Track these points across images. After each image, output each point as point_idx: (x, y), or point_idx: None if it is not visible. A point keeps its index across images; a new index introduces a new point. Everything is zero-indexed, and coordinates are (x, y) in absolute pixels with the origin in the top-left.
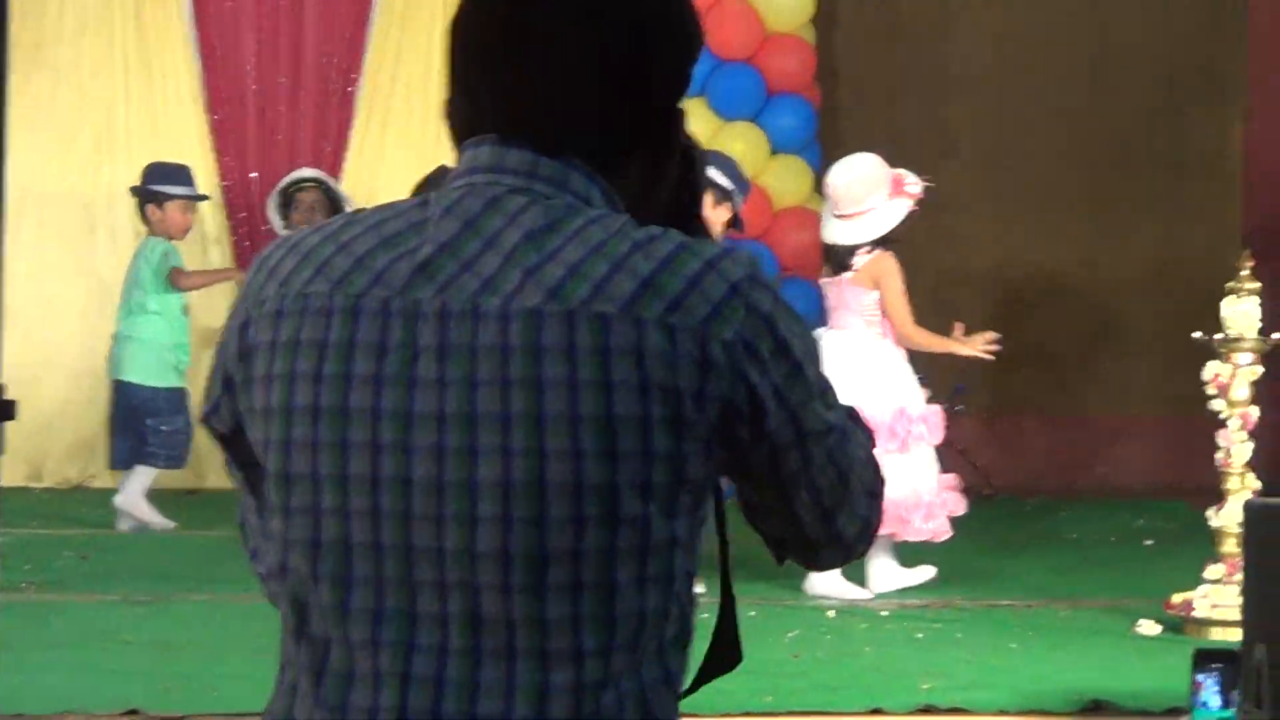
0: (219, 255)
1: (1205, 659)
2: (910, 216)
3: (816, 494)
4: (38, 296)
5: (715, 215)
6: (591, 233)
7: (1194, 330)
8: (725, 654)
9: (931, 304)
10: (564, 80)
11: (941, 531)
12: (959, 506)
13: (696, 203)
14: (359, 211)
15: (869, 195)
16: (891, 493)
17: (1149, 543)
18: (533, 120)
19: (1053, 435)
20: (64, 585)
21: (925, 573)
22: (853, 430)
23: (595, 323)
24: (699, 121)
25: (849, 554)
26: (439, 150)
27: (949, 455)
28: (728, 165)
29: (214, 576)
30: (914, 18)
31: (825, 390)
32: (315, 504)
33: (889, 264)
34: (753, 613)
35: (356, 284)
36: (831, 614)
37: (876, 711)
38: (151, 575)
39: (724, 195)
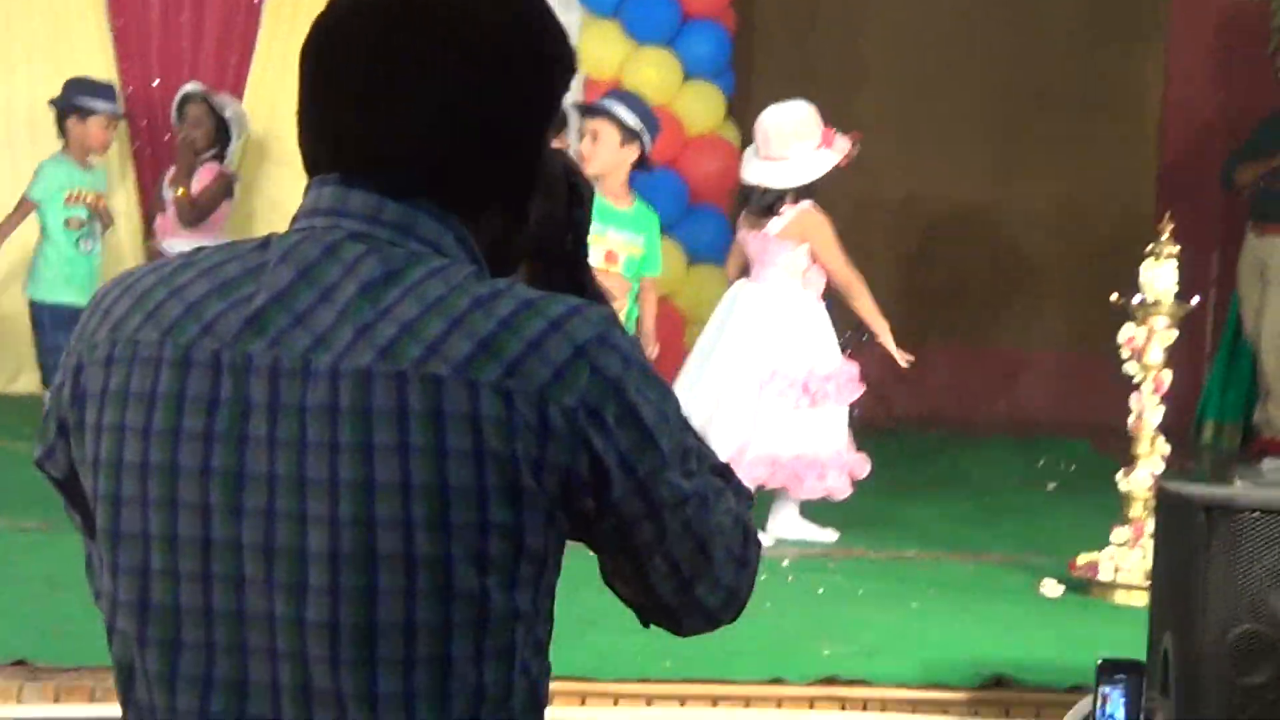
0: (119, 163)
1: (1110, 669)
2: (833, 171)
3: (674, 564)
4: None
5: (622, 155)
6: (430, 287)
7: (1101, 269)
8: None
9: (842, 233)
10: (413, 123)
11: (839, 490)
12: (862, 469)
13: (581, 243)
14: (198, 251)
15: (797, 141)
16: (794, 449)
17: (1051, 486)
18: (380, 162)
19: (956, 367)
20: None
21: (828, 535)
22: (719, 495)
23: (428, 385)
24: (612, 46)
25: (715, 622)
26: None
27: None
28: (636, 104)
29: None
30: None
31: (687, 455)
32: (144, 564)
33: (817, 218)
34: None
35: (187, 332)
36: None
37: (777, 680)
38: (43, 500)
39: (631, 135)
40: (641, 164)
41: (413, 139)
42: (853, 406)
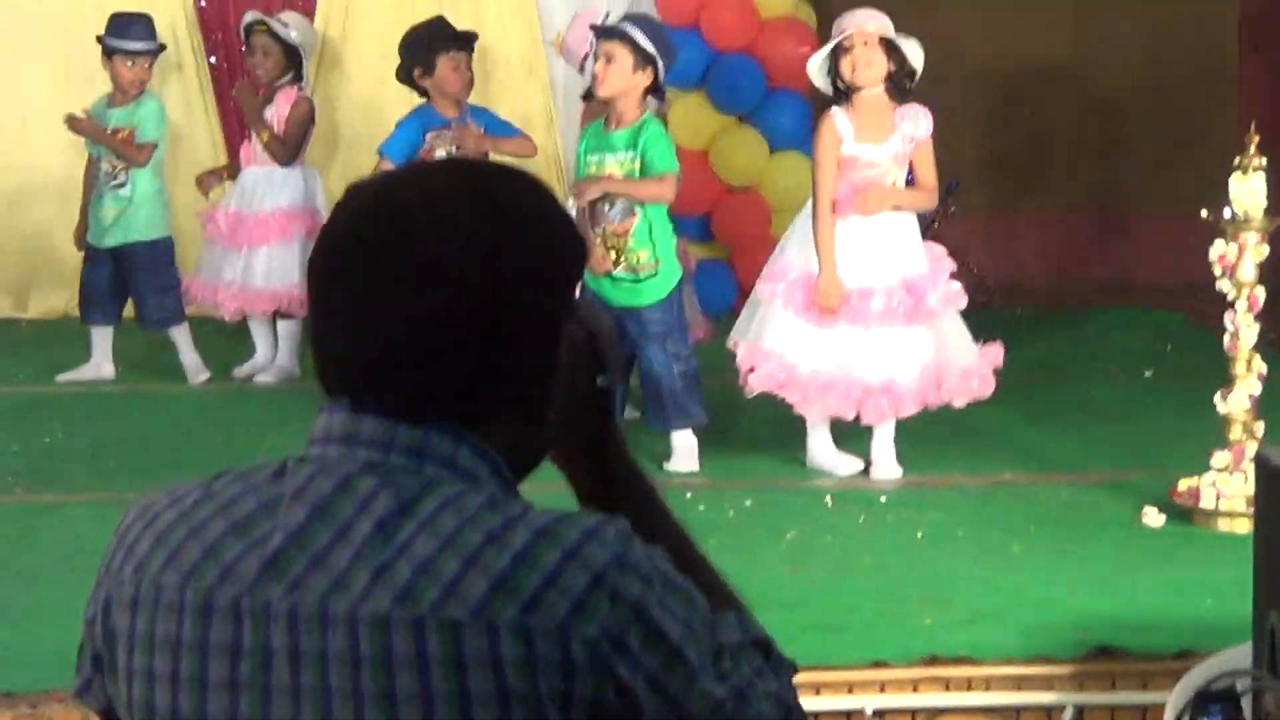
0: (194, 73)
1: (1204, 701)
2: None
3: None
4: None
5: (635, 80)
6: (444, 520)
7: (1188, 127)
8: None
9: (923, 103)
10: (413, 342)
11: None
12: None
13: (608, 413)
14: (217, 479)
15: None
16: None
17: (1148, 374)
18: (385, 384)
19: (1045, 234)
20: None
21: (853, 464)
22: (760, 678)
23: (446, 631)
24: None
25: None
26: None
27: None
28: (653, 28)
29: None
30: None
31: (719, 656)
32: None
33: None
34: (749, 501)
35: (207, 577)
36: (829, 500)
37: (878, 664)
38: None
39: (645, 60)
40: (655, 90)
41: (412, 361)
42: None
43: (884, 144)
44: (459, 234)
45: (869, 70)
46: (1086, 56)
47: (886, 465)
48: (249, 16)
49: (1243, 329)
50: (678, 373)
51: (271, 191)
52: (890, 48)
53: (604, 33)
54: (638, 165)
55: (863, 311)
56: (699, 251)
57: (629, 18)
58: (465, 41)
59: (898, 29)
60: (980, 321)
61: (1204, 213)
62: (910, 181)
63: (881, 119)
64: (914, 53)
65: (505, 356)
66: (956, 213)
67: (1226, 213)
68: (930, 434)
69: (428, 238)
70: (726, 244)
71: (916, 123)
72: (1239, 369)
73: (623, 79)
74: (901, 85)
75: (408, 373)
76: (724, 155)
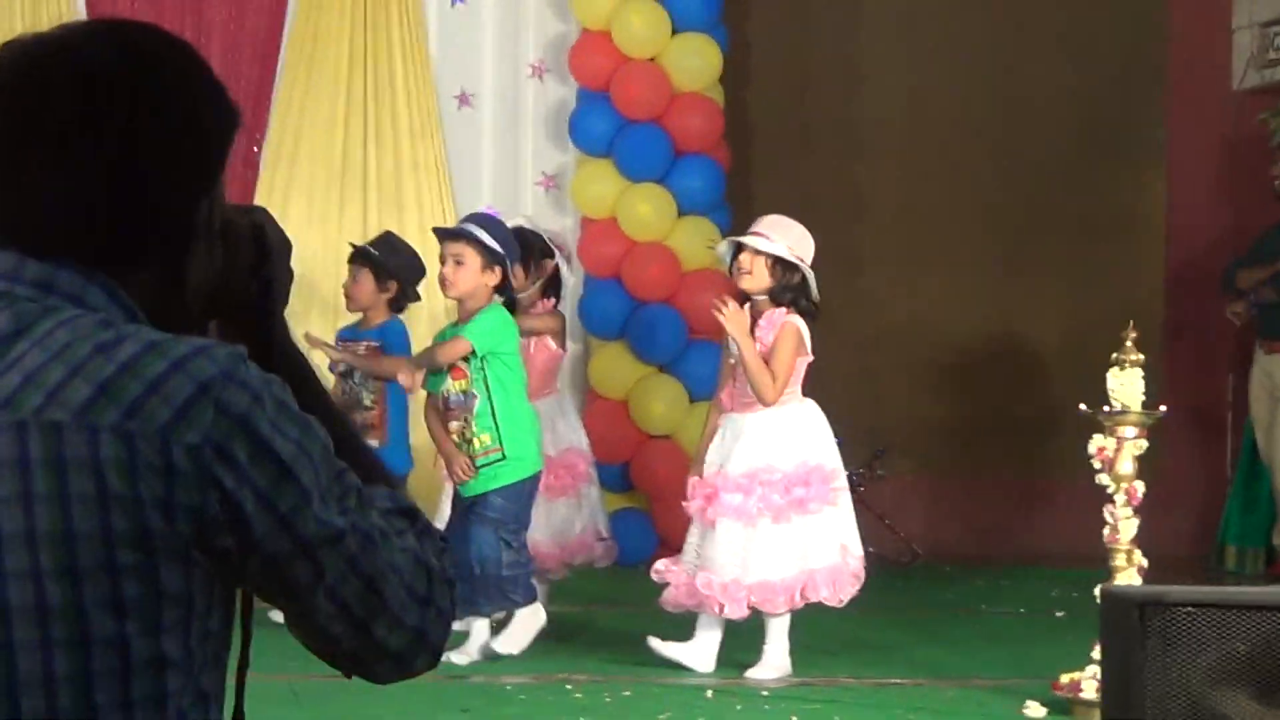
0: None
1: None
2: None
3: (342, 605)
4: None
5: (483, 279)
6: (57, 336)
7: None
8: None
9: (846, 365)
10: (43, 182)
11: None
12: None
13: (270, 299)
14: None
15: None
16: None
17: (1060, 614)
18: (17, 222)
19: (972, 498)
20: None
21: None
22: (397, 534)
23: (48, 432)
24: (606, 182)
25: (407, 666)
26: (344, 211)
27: (870, 522)
28: (495, 227)
29: None
30: (823, 76)
31: (344, 492)
32: None
33: None
34: (627, 692)
35: None
36: (709, 694)
37: None
38: None
39: (493, 259)
40: (503, 289)
41: (42, 201)
42: (867, 545)
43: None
44: (97, 81)
45: (749, 280)
46: (1009, 327)
47: (771, 662)
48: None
49: (1121, 521)
50: (507, 560)
51: None
52: (782, 264)
53: (450, 235)
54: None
55: (728, 506)
56: (618, 500)
57: (473, 218)
58: (356, 254)
59: (823, 294)
60: (902, 578)
61: (1082, 406)
62: None
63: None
64: (810, 277)
65: (136, 205)
66: (883, 475)
67: (1105, 408)
68: (822, 644)
69: (64, 82)
70: (645, 492)
71: (770, 325)
72: (1119, 561)
73: (472, 279)
74: (781, 294)
75: (36, 210)
76: (643, 404)
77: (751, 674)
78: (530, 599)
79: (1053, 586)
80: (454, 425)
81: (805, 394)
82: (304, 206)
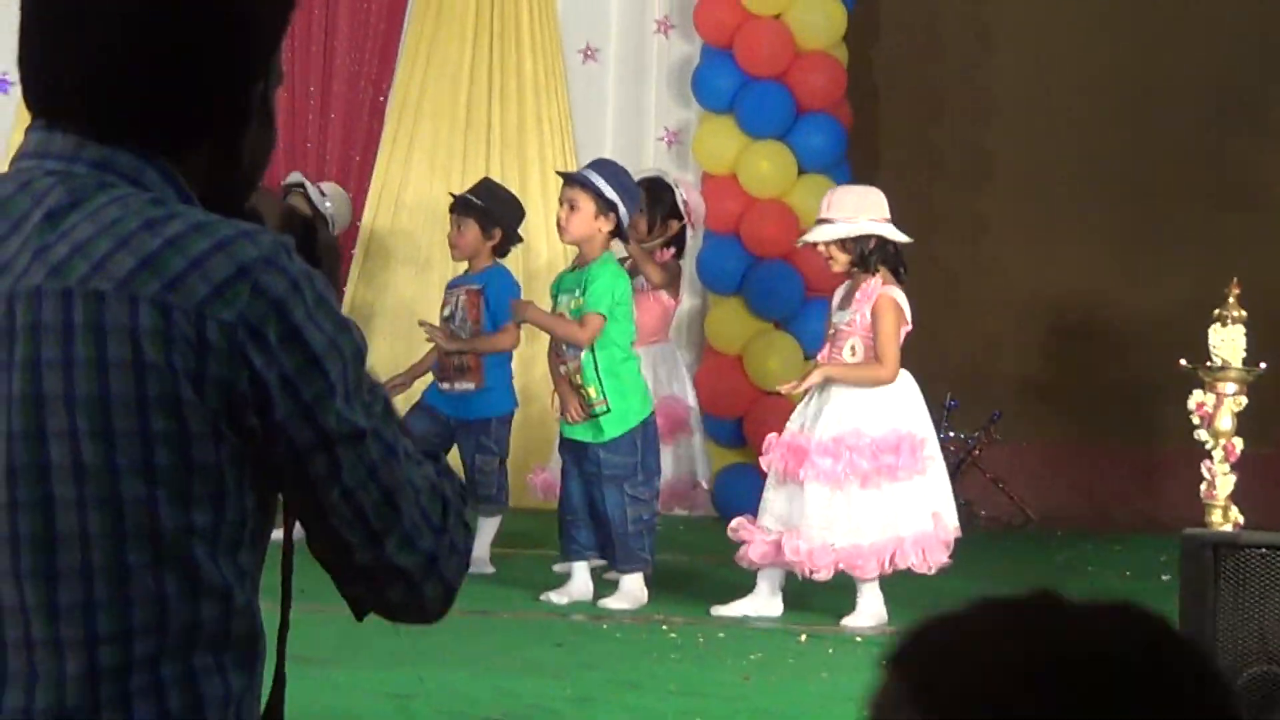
0: None
1: None
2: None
3: (359, 511)
4: None
5: (596, 226)
6: (109, 211)
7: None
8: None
9: (966, 329)
10: (104, 64)
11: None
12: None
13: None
14: None
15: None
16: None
17: (1165, 578)
18: (76, 104)
19: (1088, 466)
20: None
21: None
22: (417, 460)
23: (90, 300)
24: (727, 139)
25: (416, 591)
26: (466, 162)
27: (984, 485)
28: (615, 174)
29: None
30: (952, 37)
31: (372, 394)
32: None
33: None
34: (721, 634)
35: None
36: (803, 638)
37: None
38: None
39: (608, 206)
40: (618, 233)
41: (108, 84)
42: (980, 508)
43: (846, 310)
44: None
45: (834, 264)
46: (1133, 295)
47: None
48: (292, 178)
49: (1219, 477)
50: (631, 516)
51: None
52: (848, 239)
53: (567, 180)
54: (580, 304)
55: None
56: (730, 455)
57: (594, 165)
58: (457, 203)
59: (945, 258)
60: (1016, 541)
61: (1182, 361)
62: None
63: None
64: (888, 234)
65: (194, 88)
66: (1000, 439)
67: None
68: (921, 598)
69: None
70: (757, 448)
71: (869, 297)
72: (1215, 516)
73: (585, 225)
74: (869, 261)
75: (98, 92)
76: (758, 360)
77: (847, 621)
78: (649, 563)
79: (1162, 552)
80: (561, 369)
81: (923, 355)
82: (427, 159)
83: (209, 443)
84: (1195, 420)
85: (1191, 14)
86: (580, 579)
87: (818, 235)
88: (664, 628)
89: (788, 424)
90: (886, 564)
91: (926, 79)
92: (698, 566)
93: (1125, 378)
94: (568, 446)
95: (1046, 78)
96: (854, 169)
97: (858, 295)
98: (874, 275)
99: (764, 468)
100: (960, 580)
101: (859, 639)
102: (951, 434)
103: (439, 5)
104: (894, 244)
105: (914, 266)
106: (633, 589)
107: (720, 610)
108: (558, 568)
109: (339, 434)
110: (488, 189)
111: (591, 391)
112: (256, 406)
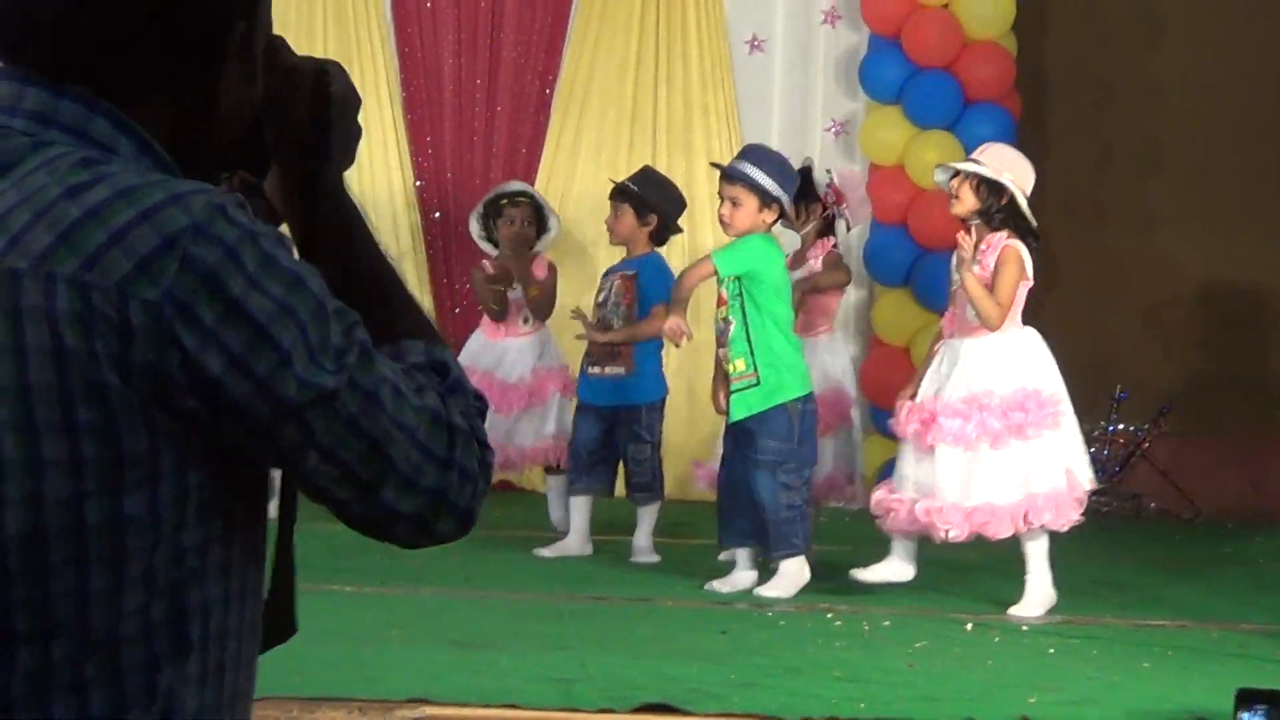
0: (410, 255)
1: (1249, 698)
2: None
3: (344, 468)
4: None
5: (761, 219)
6: (35, 176)
7: None
8: (277, 626)
9: (1140, 323)
10: (53, 1)
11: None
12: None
13: (325, 153)
14: None
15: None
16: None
17: None
18: (28, 44)
19: (1259, 460)
20: None
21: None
22: (415, 392)
23: (6, 280)
24: (895, 129)
25: (429, 529)
26: (632, 154)
27: (1153, 478)
28: (771, 162)
29: (316, 567)
30: (1123, 27)
31: (341, 350)
32: None
33: None
34: (886, 622)
35: None
36: (969, 626)
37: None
38: None
39: (770, 199)
40: (782, 218)
41: (49, 18)
42: (1149, 500)
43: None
44: None
45: (958, 204)
46: None
47: (1033, 599)
48: (512, 185)
49: None
50: (784, 503)
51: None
52: (989, 185)
53: (725, 176)
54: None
55: (948, 431)
56: (893, 447)
57: (748, 154)
58: (616, 190)
59: (1115, 251)
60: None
61: None
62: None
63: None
64: (1019, 197)
65: (152, 21)
66: (1169, 432)
67: None
68: (1089, 588)
69: None
70: None
71: (994, 244)
72: None
73: (749, 221)
74: (991, 217)
75: (44, 30)
76: (924, 351)
77: (1014, 611)
78: (807, 548)
79: None
80: (721, 352)
81: (1093, 346)
82: (593, 149)
83: (141, 431)
84: None
85: None
86: (744, 566)
87: (967, 166)
88: (828, 615)
89: (921, 390)
90: (1020, 522)
91: (1096, 69)
92: (862, 557)
93: None
94: (730, 432)
95: (1216, 67)
96: None
97: (982, 248)
98: (999, 231)
99: (898, 435)
100: (1129, 571)
101: (1025, 628)
102: (1121, 426)
103: None
104: (1024, 214)
105: (1083, 257)
106: (790, 574)
107: (860, 574)
108: (722, 556)
109: (304, 401)
110: (645, 176)
111: (740, 364)
112: (194, 390)
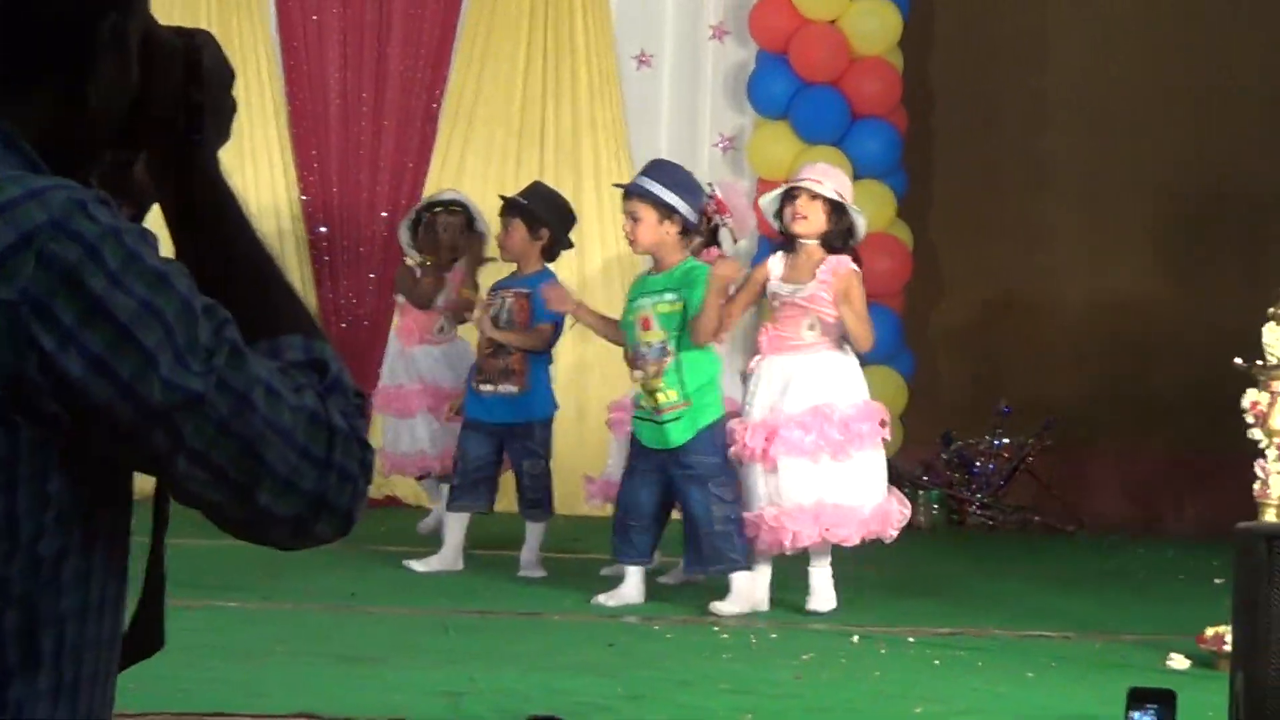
0: (295, 270)
1: (1141, 697)
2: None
3: (216, 471)
4: None
5: (663, 231)
6: None
7: None
8: (144, 637)
9: (1019, 337)
10: None
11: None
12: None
13: (197, 129)
14: None
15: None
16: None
17: (1219, 581)
18: None
19: (1140, 474)
20: None
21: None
22: (293, 388)
23: None
24: (783, 144)
25: (304, 531)
26: (520, 168)
27: (1037, 491)
28: (668, 173)
29: (200, 583)
30: (1008, 44)
31: (211, 351)
32: None
33: None
34: (773, 635)
35: None
36: (855, 639)
37: None
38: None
39: (668, 210)
40: (687, 231)
41: None
42: (1032, 514)
43: (805, 285)
44: None
45: (804, 223)
46: (1190, 299)
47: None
48: (445, 194)
49: (1273, 476)
50: (718, 515)
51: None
52: (835, 208)
53: (624, 193)
54: (679, 307)
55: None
56: None
57: (649, 169)
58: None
59: (1001, 267)
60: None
61: (1237, 360)
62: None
63: (810, 265)
64: (859, 221)
65: (10, 19)
66: (1051, 445)
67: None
68: (973, 600)
69: None
70: None
71: (834, 267)
72: (1270, 516)
73: (651, 234)
74: (832, 243)
75: None
76: None
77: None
78: (748, 561)
79: (1215, 557)
80: (637, 374)
81: (977, 360)
82: (481, 163)
83: None
84: (1249, 420)
85: (1254, 13)
86: (633, 583)
87: (817, 187)
88: (714, 629)
89: (747, 408)
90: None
91: (982, 85)
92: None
93: (1176, 382)
94: (645, 452)
95: (1102, 84)
96: (909, 175)
97: (820, 271)
98: (841, 254)
99: (734, 456)
100: (1015, 583)
101: (911, 639)
102: (1005, 440)
103: (492, 12)
104: (858, 238)
105: (968, 272)
106: (742, 590)
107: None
108: (606, 571)
109: (170, 404)
110: (536, 191)
111: (673, 394)
112: (55, 393)
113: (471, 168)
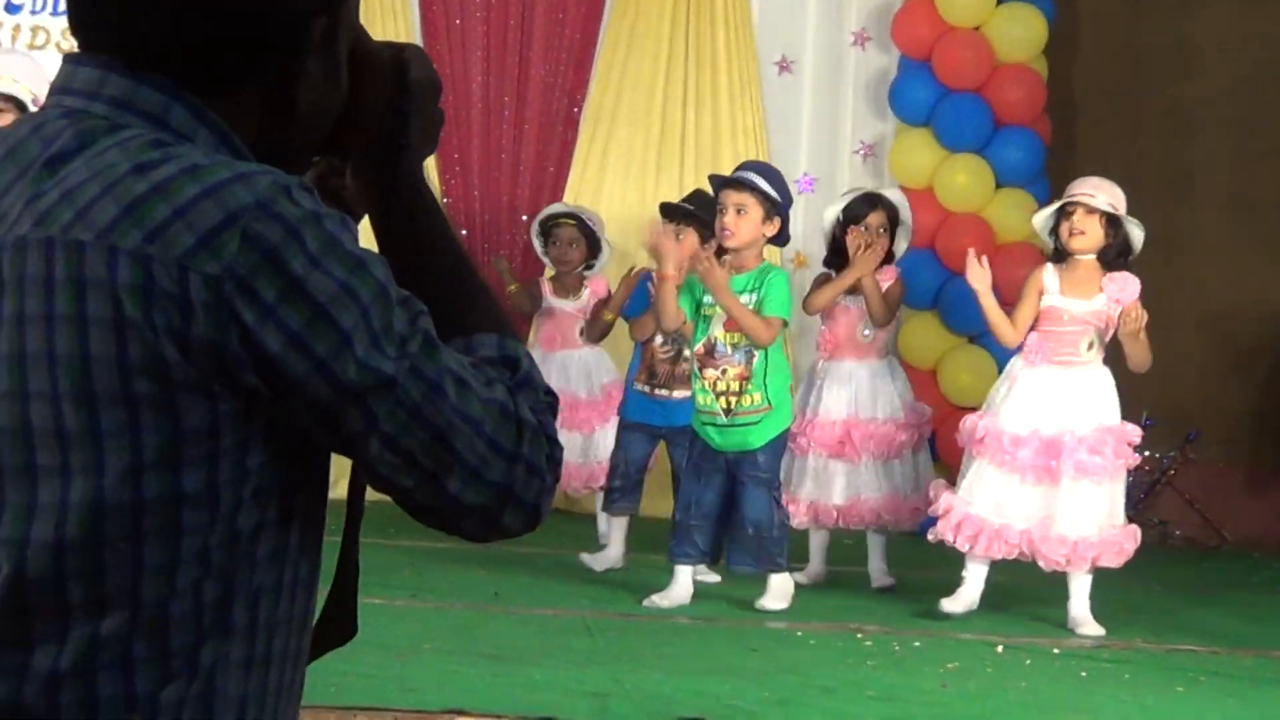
0: None
1: None
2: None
3: (407, 456)
4: None
5: (764, 230)
6: (108, 154)
7: None
8: (337, 625)
9: (1162, 347)
10: None
11: None
12: None
13: (404, 142)
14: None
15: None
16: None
17: None
18: (105, 33)
19: None
20: None
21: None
22: (484, 382)
23: (71, 251)
24: (924, 152)
25: (492, 522)
26: (660, 173)
27: (1179, 505)
28: (775, 176)
29: None
30: (1155, 52)
31: (406, 337)
32: None
33: None
34: (917, 643)
35: None
36: (1000, 649)
37: None
38: None
39: (774, 210)
40: (779, 238)
41: (138, 11)
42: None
43: (1090, 301)
44: None
45: (1082, 239)
46: None
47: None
48: (555, 208)
49: None
50: (777, 520)
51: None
52: (1111, 221)
53: (732, 184)
54: (753, 308)
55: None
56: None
57: (750, 166)
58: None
59: (1142, 275)
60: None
61: None
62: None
63: (1090, 281)
64: (1136, 234)
65: (233, 15)
66: (1195, 459)
67: None
68: (1121, 613)
69: None
70: (949, 464)
71: (1124, 287)
72: None
73: (753, 230)
74: (1109, 258)
75: (130, 21)
76: (951, 374)
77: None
78: (786, 564)
79: None
80: (710, 373)
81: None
82: (621, 168)
83: (200, 406)
84: None
85: None
86: (683, 582)
87: (1097, 203)
88: (858, 636)
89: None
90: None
91: (1127, 93)
92: (898, 578)
93: None
94: (710, 454)
95: (1249, 92)
96: (1052, 184)
97: (1110, 286)
98: (1122, 270)
99: (999, 464)
100: (1159, 596)
101: (1056, 650)
102: (1146, 453)
103: (634, 15)
104: (1132, 249)
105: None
106: (782, 587)
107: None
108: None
109: (364, 385)
110: (704, 200)
111: (757, 397)
112: (255, 366)
113: (611, 172)
